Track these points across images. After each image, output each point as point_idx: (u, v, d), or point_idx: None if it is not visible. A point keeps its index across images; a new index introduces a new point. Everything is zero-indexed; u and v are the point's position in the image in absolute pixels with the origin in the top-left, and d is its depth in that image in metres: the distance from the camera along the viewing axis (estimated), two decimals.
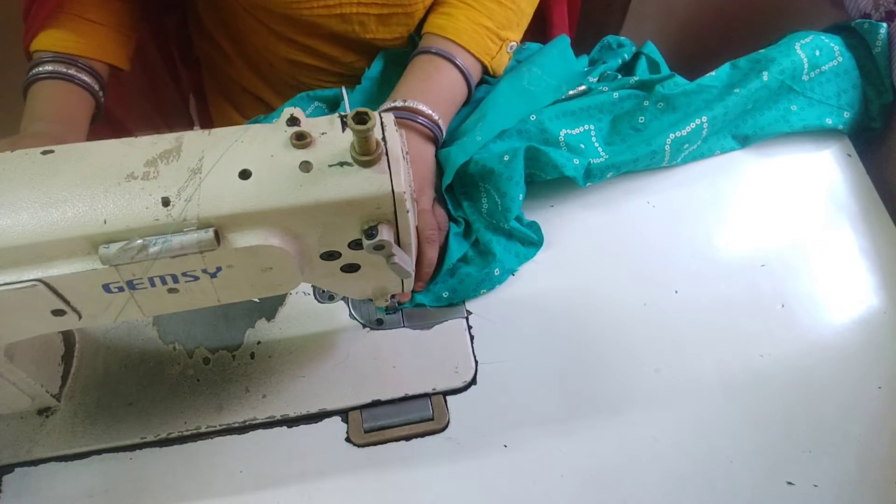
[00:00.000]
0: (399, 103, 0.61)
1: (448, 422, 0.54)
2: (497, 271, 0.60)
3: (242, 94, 0.84)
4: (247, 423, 0.54)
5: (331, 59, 0.74)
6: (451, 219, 0.63)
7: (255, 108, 0.83)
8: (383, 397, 0.55)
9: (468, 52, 0.65)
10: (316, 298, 0.61)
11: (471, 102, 0.68)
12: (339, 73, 0.76)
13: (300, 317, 0.59)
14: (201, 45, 0.84)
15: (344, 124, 0.42)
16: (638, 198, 0.66)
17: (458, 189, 0.64)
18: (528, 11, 0.70)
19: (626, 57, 0.74)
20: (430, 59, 0.65)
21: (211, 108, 0.88)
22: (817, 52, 0.67)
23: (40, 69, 0.63)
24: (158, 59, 0.85)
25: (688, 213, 0.65)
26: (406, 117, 0.60)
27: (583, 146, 0.65)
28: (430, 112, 0.61)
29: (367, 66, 0.73)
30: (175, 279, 0.41)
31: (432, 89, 0.63)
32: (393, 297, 0.53)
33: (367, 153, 0.39)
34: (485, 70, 0.68)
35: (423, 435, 0.54)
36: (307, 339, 0.58)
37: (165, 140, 0.41)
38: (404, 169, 0.41)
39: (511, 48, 0.69)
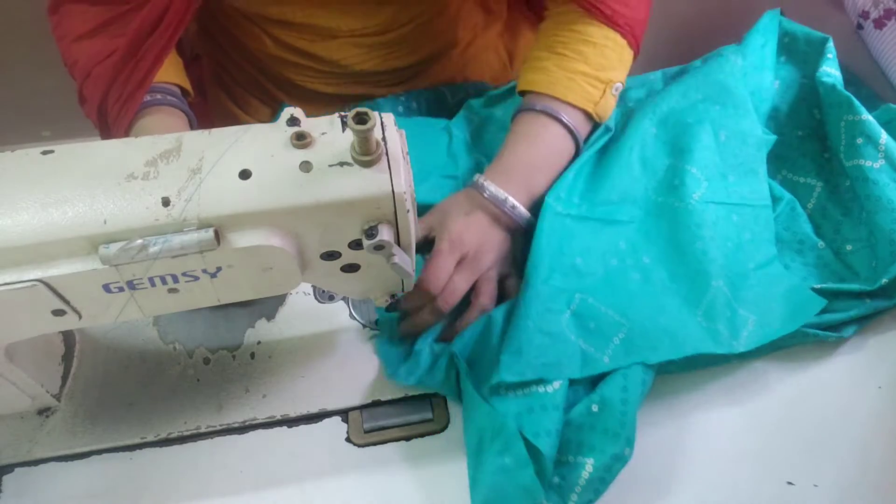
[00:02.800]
0: (491, 189, 0.58)
1: (448, 422, 0.54)
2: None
3: (241, 89, 0.84)
4: (247, 423, 0.54)
5: (310, 56, 0.74)
6: None
7: (254, 102, 0.83)
8: (383, 397, 0.55)
9: (567, 103, 0.61)
10: (316, 298, 0.61)
11: None
12: (323, 71, 0.76)
13: (300, 317, 0.59)
14: (200, 42, 0.84)
15: (344, 124, 0.42)
16: None
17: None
18: (626, 51, 0.64)
19: None
20: (531, 119, 0.62)
21: (211, 105, 0.88)
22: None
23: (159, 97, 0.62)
24: None
25: None
26: (490, 200, 0.58)
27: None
28: (515, 209, 0.58)
29: (351, 62, 0.73)
30: (175, 279, 0.41)
31: (524, 162, 0.60)
32: (393, 296, 0.53)
33: (367, 153, 0.39)
34: (591, 118, 0.63)
35: (423, 435, 0.54)
36: (307, 339, 0.58)
37: (165, 140, 0.41)
38: (404, 169, 0.41)
39: (616, 90, 0.63)
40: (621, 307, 0.56)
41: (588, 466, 0.48)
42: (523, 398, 0.51)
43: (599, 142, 0.64)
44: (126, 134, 0.61)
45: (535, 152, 0.61)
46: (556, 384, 0.51)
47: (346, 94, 0.79)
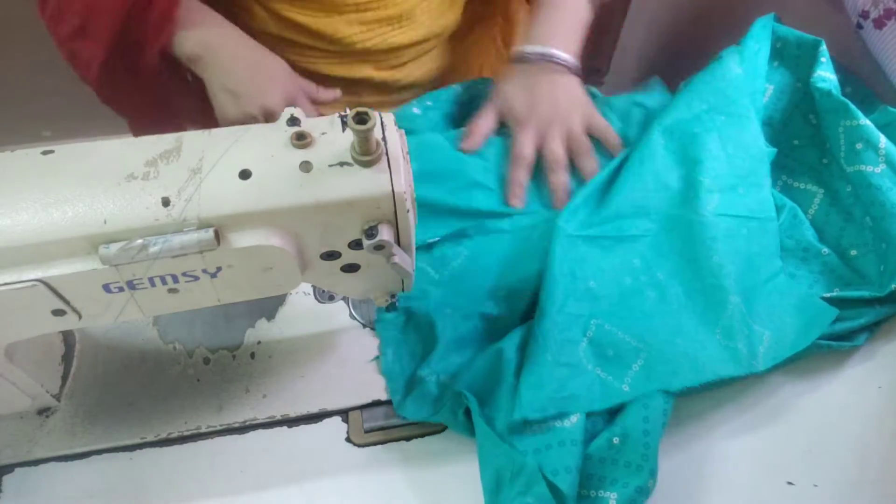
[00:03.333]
0: (538, 49, 0.65)
1: None
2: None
3: None
4: (247, 423, 0.54)
5: (312, 33, 0.74)
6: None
7: None
8: (383, 397, 0.55)
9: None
10: (316, 298, 0.61)
11: None
12: (326, 50, 0.76)
13: (300, 317, 0.59)
14: None
15: (344, 124, 0.42)
16: None
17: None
18: None
19: None
20: None
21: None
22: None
23: None
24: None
25: None
26: (546, 59, 0.65)
27: None
28: (566, 56, 0.65)
29: (354, 39, 0.74)
30: (175, 279, 0.41)
31: (562, 22, 0.68)
32: (393, 296, 0.53)
33: (367, 153, 0.39)
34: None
35: (423, 435, 0.54)
36: (307, 339, 0.58)
37: (165, 140, 0.41)
38: (404, 169, 0.41)
39: None
40: (638, 331, 0.55)
41: (612, 501, 0.47)
42: (540, 434, 0.50)
43: (618, 158, 0.64)
44: (168, 48, 0.63)
45: (563, 22, 0.69)
46: (574, 417, 0.50)
47: (349, 77, 0.78)
